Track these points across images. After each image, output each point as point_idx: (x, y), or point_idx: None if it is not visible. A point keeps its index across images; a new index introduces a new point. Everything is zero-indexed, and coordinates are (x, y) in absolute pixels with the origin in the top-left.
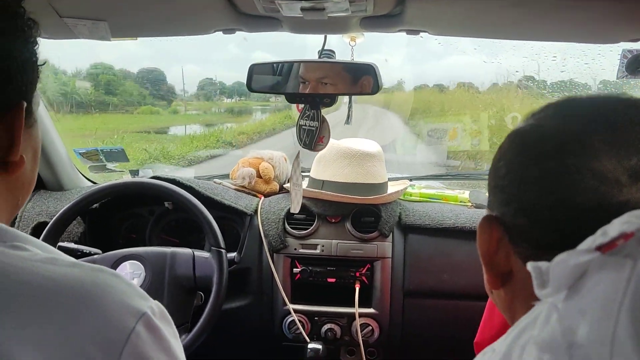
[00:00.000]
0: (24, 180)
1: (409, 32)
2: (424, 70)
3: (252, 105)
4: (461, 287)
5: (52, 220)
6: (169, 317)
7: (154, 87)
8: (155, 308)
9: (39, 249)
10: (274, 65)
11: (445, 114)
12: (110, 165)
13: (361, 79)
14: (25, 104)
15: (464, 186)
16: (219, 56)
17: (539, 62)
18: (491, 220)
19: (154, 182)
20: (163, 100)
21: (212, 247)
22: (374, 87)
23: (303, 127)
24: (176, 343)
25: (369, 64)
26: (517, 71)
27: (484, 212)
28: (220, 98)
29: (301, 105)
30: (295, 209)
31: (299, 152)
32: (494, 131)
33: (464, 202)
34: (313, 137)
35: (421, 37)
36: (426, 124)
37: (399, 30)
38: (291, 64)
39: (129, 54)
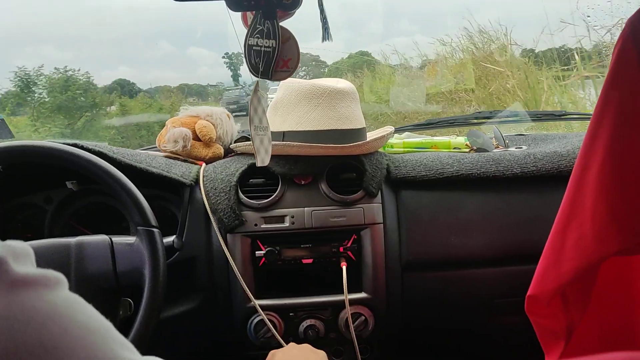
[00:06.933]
0: None
1: None
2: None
3: None
4: (473, 251)
5: None
6: None
7: None
8: None
9: None
10: None
11: None
12: None
13: None
14: None
15: (450, 134)
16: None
17: None
18: None
19: (45, 144)
20: None
21: (139, 227)
22: None
23: (254, 48)
24: None
25: None
26: None
27: (490, 155)
28: None
29: (250, 17)
30: (264, 160)
31: (257, 83)
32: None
33: (459, 147)
34: (270, 62)
35: None
36: None
37: None
38: None
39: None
